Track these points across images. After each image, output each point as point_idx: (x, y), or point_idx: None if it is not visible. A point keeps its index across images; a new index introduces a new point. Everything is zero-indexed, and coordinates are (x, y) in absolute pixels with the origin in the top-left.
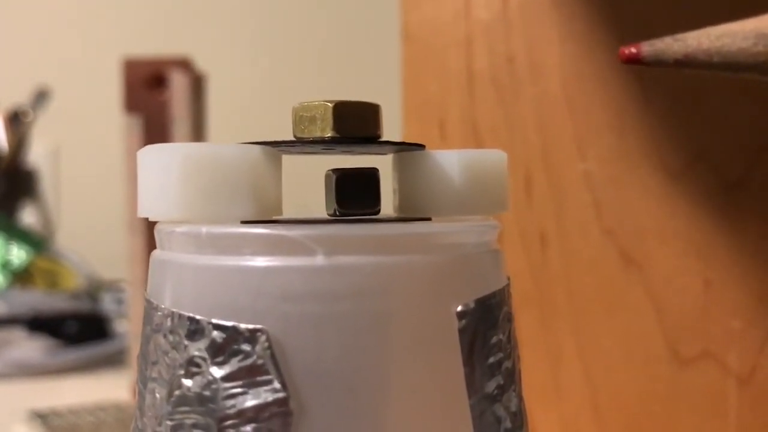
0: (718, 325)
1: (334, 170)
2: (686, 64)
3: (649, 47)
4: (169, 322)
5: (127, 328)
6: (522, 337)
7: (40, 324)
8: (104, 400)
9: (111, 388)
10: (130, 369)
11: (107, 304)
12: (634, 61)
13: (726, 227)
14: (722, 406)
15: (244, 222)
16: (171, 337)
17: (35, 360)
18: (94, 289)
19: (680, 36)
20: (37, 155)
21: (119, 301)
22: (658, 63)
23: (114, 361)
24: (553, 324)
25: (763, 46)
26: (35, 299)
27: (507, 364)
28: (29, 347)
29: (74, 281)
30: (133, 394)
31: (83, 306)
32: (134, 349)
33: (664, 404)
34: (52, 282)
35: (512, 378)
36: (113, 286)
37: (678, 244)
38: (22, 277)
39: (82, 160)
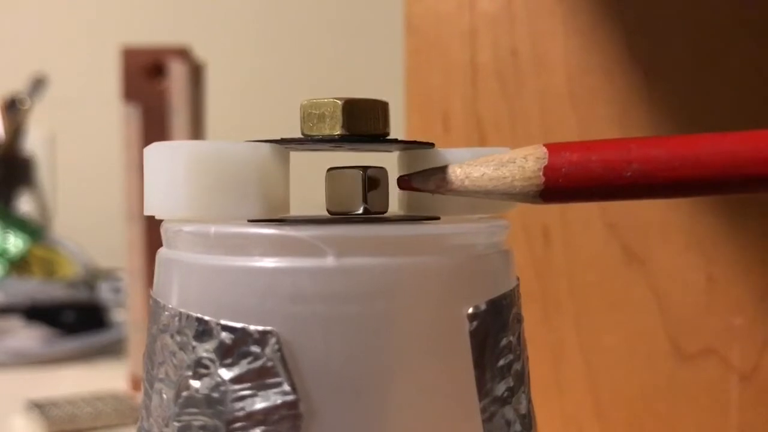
0: (720, 321)
1: (364, 168)
2: (444, 187)
3: (417, 176)
4: (176, 322)
5: (125, 317)
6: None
7: (37, 313)
8: (102, 390)
9: (109, 378)
10: (128, 359)
11: (105, 293)
12: (407, 187)
13: (729, 223)
14: (724, 402)
15: (252, 221)
16: (178, 338)
17: (32, 349)
18: (91, 278)
19: (443, 167)
20: (33, 143)
21: (117, 290)
22: (424, 188)
23: (111, 350)
24: (555, 319)
25: (503, 171)
26: (32, 288)
27: (517, 366)
28: (26, 336)
29: (71, 270)
30: (132, 385)
31: (80, 295)
32: (132, 339)
33: (666, 400)
34: (49, 270)
35: (522, 380)
36: (111, 275)
37: (681, 240)
38: (19, 265)
39: (78, 148)
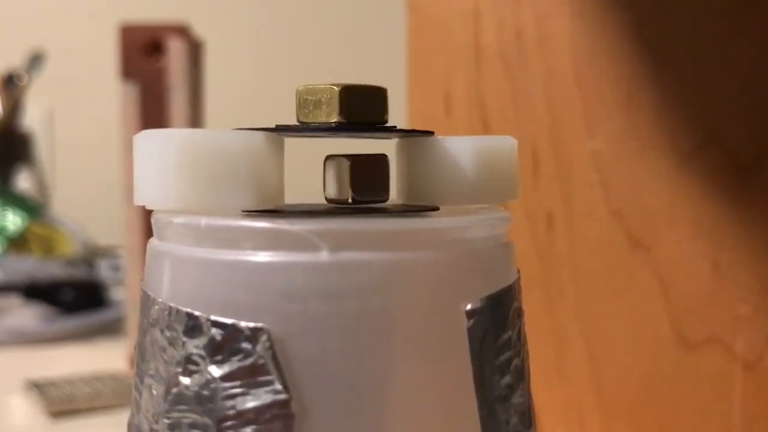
0: (725, 310)
1: (348, 156)
2: None
3: None
4: (166, 317)
5: (124, 295)
6: (526, 319)
7: (35, 291)
8: (100, 369)
9: (108, 358)
10: (127, 338)
11: (103, 271)
12: None
13: (736, 211)
14: (727, 391)
15: (245, 211)
16: (168, 333)
17: (31, 328)
18: (90, 256)
19: None
20: (32, 119)
21: (116, 268)
22: None
23: (110, 329)
24: (558, 305)
25: None
26: (31, 266)
27: (516, 362)
28: (25, 315)
29: (70, 248)
30: (131, 365)
31: (79, 273)
32: (131, 318)
33: (669, 388)
34: (48, 248)
35: (521, 376)
36: (110, 253)
37: (687, 227)
38: (17, 243)
39: (77, 125)
